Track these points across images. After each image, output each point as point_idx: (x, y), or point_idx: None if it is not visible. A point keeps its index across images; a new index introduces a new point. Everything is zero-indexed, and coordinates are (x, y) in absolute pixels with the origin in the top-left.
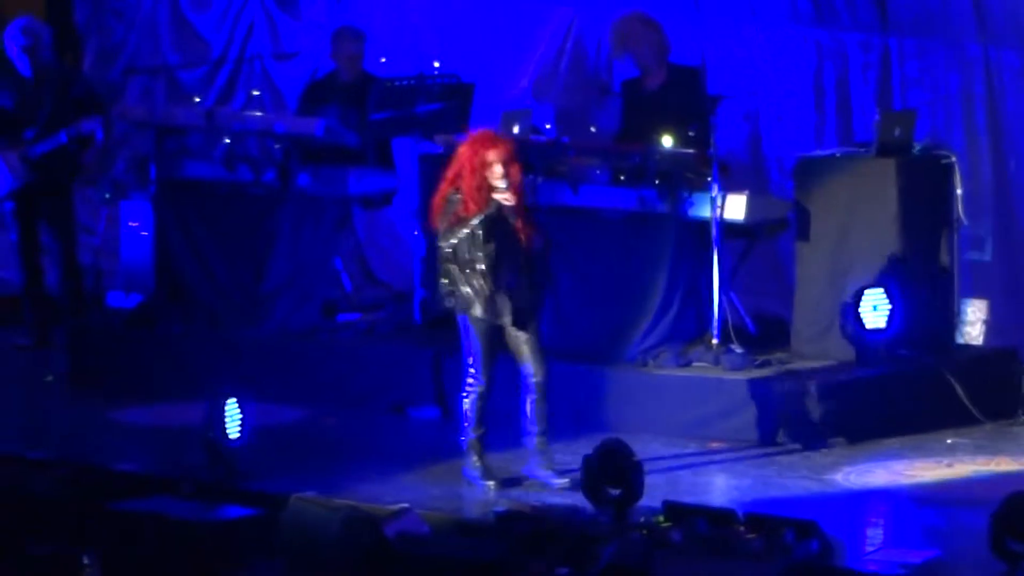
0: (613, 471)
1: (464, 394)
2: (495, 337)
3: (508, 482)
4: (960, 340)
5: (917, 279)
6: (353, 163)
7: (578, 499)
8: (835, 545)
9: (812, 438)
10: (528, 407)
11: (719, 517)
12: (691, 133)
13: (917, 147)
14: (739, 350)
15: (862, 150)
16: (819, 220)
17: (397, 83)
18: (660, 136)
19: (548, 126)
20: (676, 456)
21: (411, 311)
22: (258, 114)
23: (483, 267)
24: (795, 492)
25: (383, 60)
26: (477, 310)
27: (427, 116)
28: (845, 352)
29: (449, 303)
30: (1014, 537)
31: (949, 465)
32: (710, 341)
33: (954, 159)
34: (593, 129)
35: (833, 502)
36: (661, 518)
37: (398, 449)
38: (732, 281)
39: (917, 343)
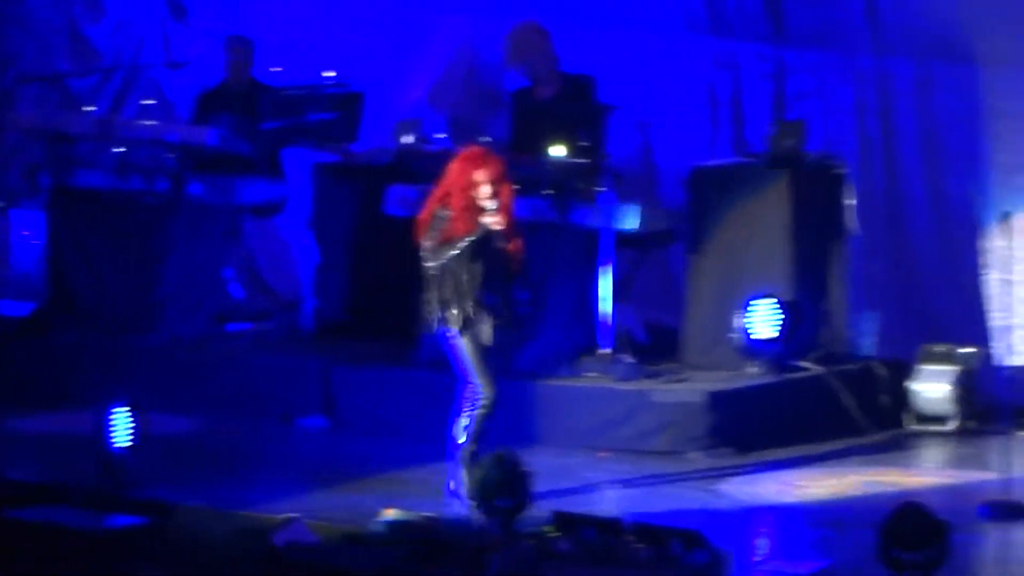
0: (502, 481)
1: (467, 410)
2: (482, 350)
3: None
4: (862, 351)
5: (808, 289)
6: (244, 172)
7: (466, 508)
8: (723, 556)
9: (701, 448)
10: (475, 421)
11: (607, 527)
12: (583, 143)
13: (809, 158)
14: (630, 360)
15: (754, 160)
16: (711, 230)
17: (289, 92)
18: (552, 146)
19: (441, 135)
20: (566, 466)
21: (300, 320)
22: (150, 123)
23: (469, 288)
24: (684, 502)
25: (275, 69)
26: (461, 327)
27: (319, 125)
28: (735, 362)
29: (434, 324)
30: (902, 547)
31: (838, 475)
32: (601, 351)
33: (846, 170)
34: (485, 139)
35: (722, 512)
36: (550, 527)
37: (287, 458)
38: (623, 291)
39: (807, 353)
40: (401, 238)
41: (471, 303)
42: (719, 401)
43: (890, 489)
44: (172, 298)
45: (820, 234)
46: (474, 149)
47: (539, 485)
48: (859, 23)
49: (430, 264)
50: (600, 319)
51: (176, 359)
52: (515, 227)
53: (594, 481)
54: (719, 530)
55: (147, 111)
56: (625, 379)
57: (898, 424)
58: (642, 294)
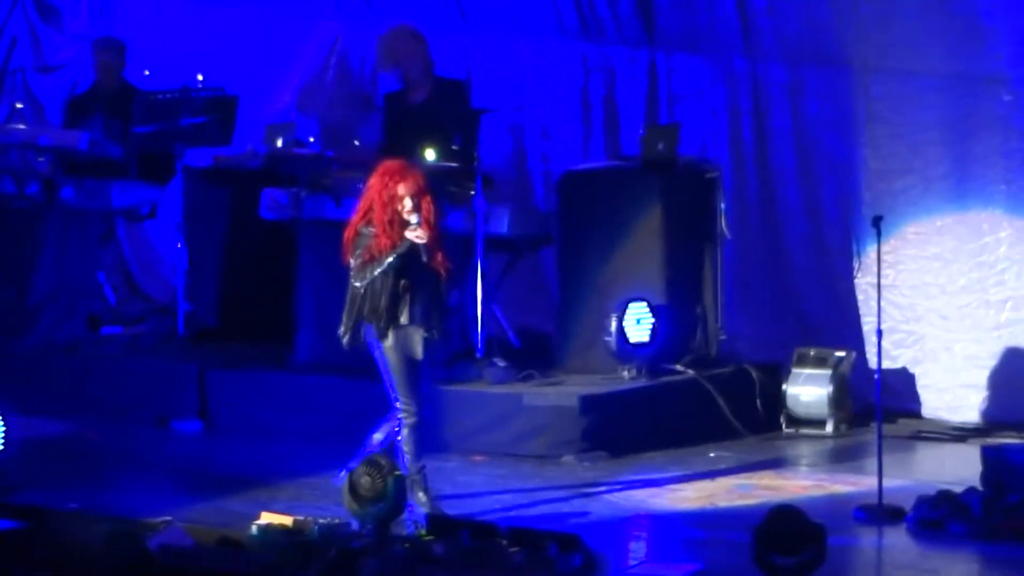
0: (376, 485)
1: (396, 429)
2: (411, 364)
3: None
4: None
5: (681, 293)
6: (116, 176)
7: (341, 513)
8: (598, 559)
9: (575, 452)
10: (407, 439)
11: (482, 530)
12: (455, 146)
13: (682, 161)
14: (502, 364)
15: (627, 164)
16: (583, 234)
17: (161, 96)
18: (423, 149)
19: (312, 139)
20: (440, 470)
21: (174, 324)
22: (21, 127)
23: (396, 301)
24: (558, 506)
25: (147, 73)
26: (389, 341)
27: (191, 129)
28: (608, 366)
29: (352, 340)
30: (776, 551)
31: (712, 479)
32: (474, 355)
33: (718, 173)
34: (357, 143)
35: (596, 516)
36: (424, 531)
37: (162, 462)
38: (495, 295)
39: (680, 357)
40: (273, 242)
41: (400, 316)
42: (592, 405)
43: (765, 493)
44: (45, 302)
45: (693, 238)
46: (392, 163)
47: (414, 489)
48: (732, 26)
49: (356, 284)
50: (473, 323)
51: (50, 363)
52: (439, 238)
53: (469, 485)
54: (594, 534)
55: (18, 114)
56: (498, 383)
57: (773, 428)
58: (514, 298)
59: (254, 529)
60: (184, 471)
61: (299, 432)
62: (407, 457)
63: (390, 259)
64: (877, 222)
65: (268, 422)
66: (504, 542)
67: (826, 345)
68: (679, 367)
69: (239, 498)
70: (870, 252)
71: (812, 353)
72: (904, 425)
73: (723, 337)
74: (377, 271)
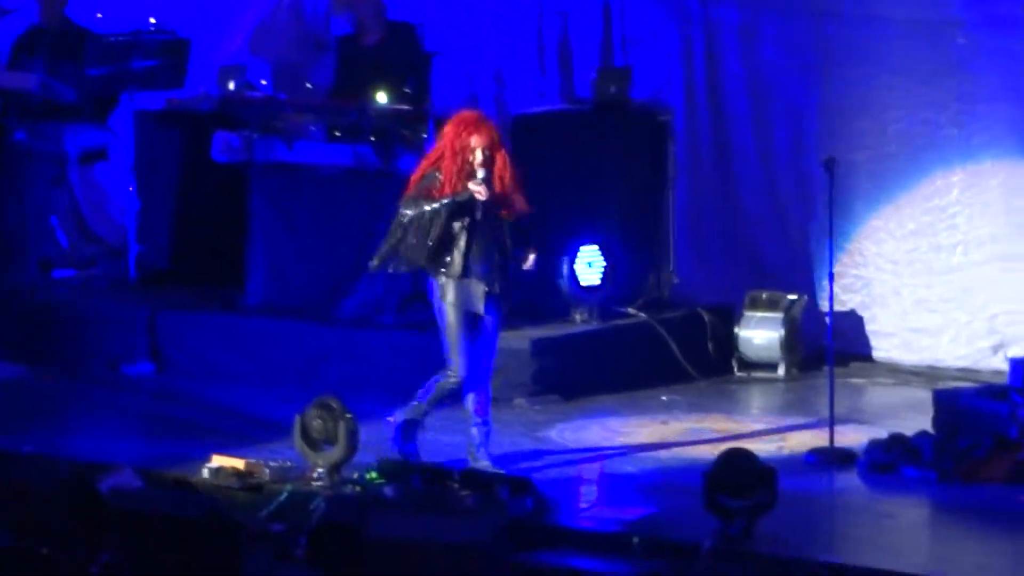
0: (327, 427)
1: (439, 376)
2: (469, 324)
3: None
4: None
5: (633, 236)
6: (69, 119)
7: (292, 456)
8: (550, 502)
9: (527, 395)
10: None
11: (433, 474)
12: (407, 89)
13: (635, 105)
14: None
15: (579, 107)
16: (535, 177)
17: (113, 39)
18: (376, 92)
19: (264, 82)
20: (392, 413)
21: (126, 267)
22: None
23: (446, 249)
24: (510, 449)
25: (99, 16)
26: (450, 297)
27: (143, 72)
28: (560, 309)
29: (380, 267)
30: (727, 494)
31: (664, 422)
32: (426, 299)
33: (670, 117)
34: (309, 85)
35: (548, 459)
36: (375, 474)
37: (114, 405)
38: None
39: (632, 300)
40: (225, 184)
41: (460, 269)
42: (544, 348)
43: (716, 436)
44: None
45: (645, 181)
46: (469, 113)
47: (365, 432)
48: None
49: (404, 211)
50: None
51: (2, 307)
52: (511, 195)
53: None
54: (545, 477)
55: None
56: None
57: (724, 371)
58: None
59: (205, 472)
60: (135, 414)
61: (250, 375)
62: (427, 397)
63: (446, 200)
64: (829, 165)
65: (219, 365)
66: (455, 486)
67: (778, 289)
68: (631, 310)
69: (191, 441)
70: (822, 195)
71: (764, 296)
72: (855, 369)
73: (675, 280)
74: (428, 206)
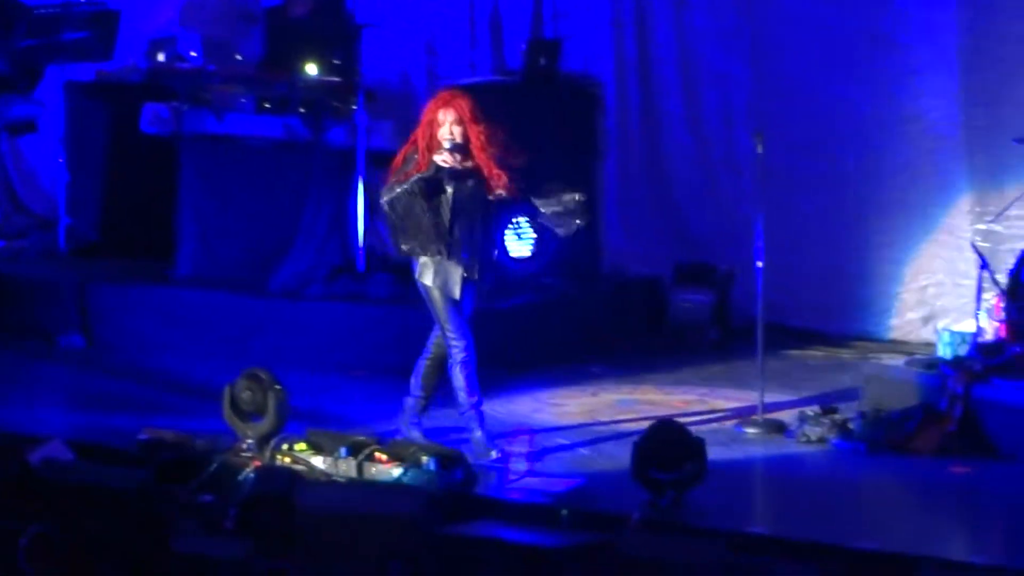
0: (257, 399)
1: (451, 363)
2: (453, 300)
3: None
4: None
5: None
6: None
7: (223, 427)
8: (480, 474)
9: None
10: (456, 374)
11: (361, 444)
12: (337, 61)
13: (565, 77)
14: (384, 278)
15: (509, 79)
16: None
17: (42, 11)
18: (305, 64)
19: (194, 54)
20: (322, 385)
21: (56, 239)
22: None
23: (419, 229)
24: (441, 421)
25: None
26: (428, 278)
27: (73, 44)
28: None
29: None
30: (656, 466)
31: (594, 394)
32: (355, 270)
33: (600, 88)
34: (239, 57)
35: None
36: (304, 445)
37: (45, 377)
38: (377, 210)
39: (563, 272)
40: (155, 156)
41: (438, 249)
42: (475, 320)
43: (646, 408)
44: None
45: (575, 152)
46: (445, 90)
47: (296, 404)
48: None
49: (381, 200)
50: (354, 237)
51: None
52: (491, 172)
53: (350, 400)
54: (474, 447)
55: None
56: (380, 298)
57: (655, 342)
58: None
59: (136, 443)
60: (66, 386)
61: (180, 346)
62: (459, 393)
63: (413, 179)
64: (759, 136)
65: (149, 336)
66: (383, 457)
67: (708, 259)
68: (561, 282)
69: (121, 413)
70: (753, 165)
71: (694, 267)
72: (785, 340)
73: (606, 251)
74: (398, 189)
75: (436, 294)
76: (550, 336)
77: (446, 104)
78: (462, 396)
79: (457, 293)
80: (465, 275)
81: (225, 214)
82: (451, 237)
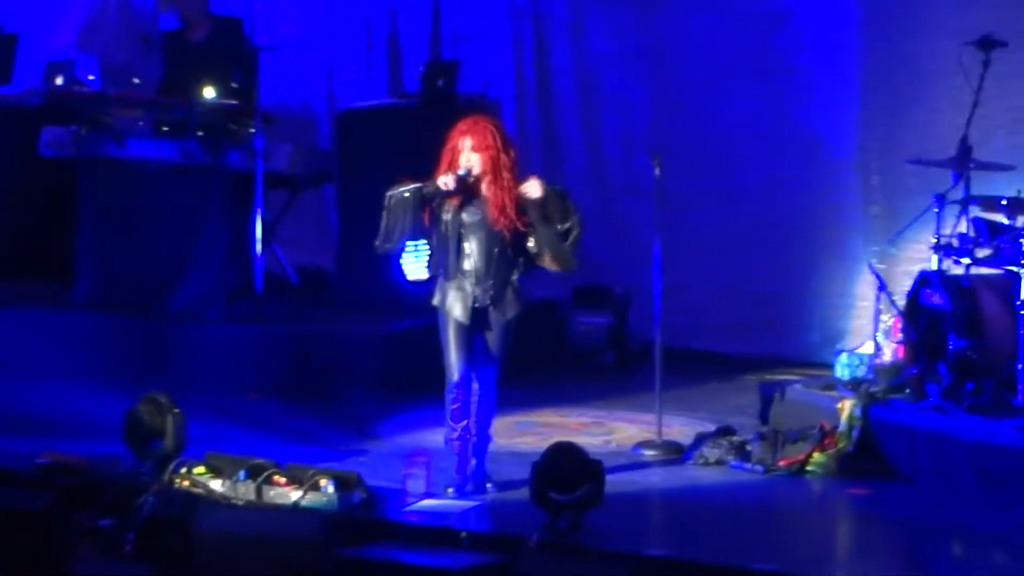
0: (156, 423)
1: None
2: (458, 327)
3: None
4: None
5: None
6: None
7: (122, 451)
8: (377, 497)
9: (354, 389)
10: (472, 408)
11: (260, 469)
12: (235, 84)
13: (462, 98)
14: (284, 301)
15: (406, 101)
16: (363, 171)
17: None
18: (203, 88)
19: (92, 77)
20: (221, 408)
21: None
22: None
23: (438, 253)
24: (337, 444)
25: None
26: (436, 298)
27: None
28: (388, 303)
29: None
30: (555, 487)
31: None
32: (253, 293)
33: (499, 112)
34: (137, 80)
35: (375, 453)
36: (202, 469)
37: None
38: (275, 232)
39: None
40: (53, 179)
41: (448, 274)
42: (371, 342)
43: (544, 429)
44: None
45: None
46: (472, 116)
47: (194, 427)
48: None
49: (388, 193)
50: (252, 260)
51: None
52: (502, 203)
53: (249, 423)
54: (373, 471)
55: None
56: (278, 320)
57: (553, 365)
58: (295, 235)
59: (34, 467)
60: None
61: (79, 370)
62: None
63: (412, 187)
64: (657, 158)
65: (48, 361)
66: (282, 480)
67: (607, 282)
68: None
69: (19, 436)
70: (653, 188)
71: (592, 290)
72: (683, 361)
73: None
74: (398, 188)
75: (441, 316)
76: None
77: (465, 132)
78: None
79: (464, 318)
80: (476, 303)
81: (124, 237)
82: (459, 262)
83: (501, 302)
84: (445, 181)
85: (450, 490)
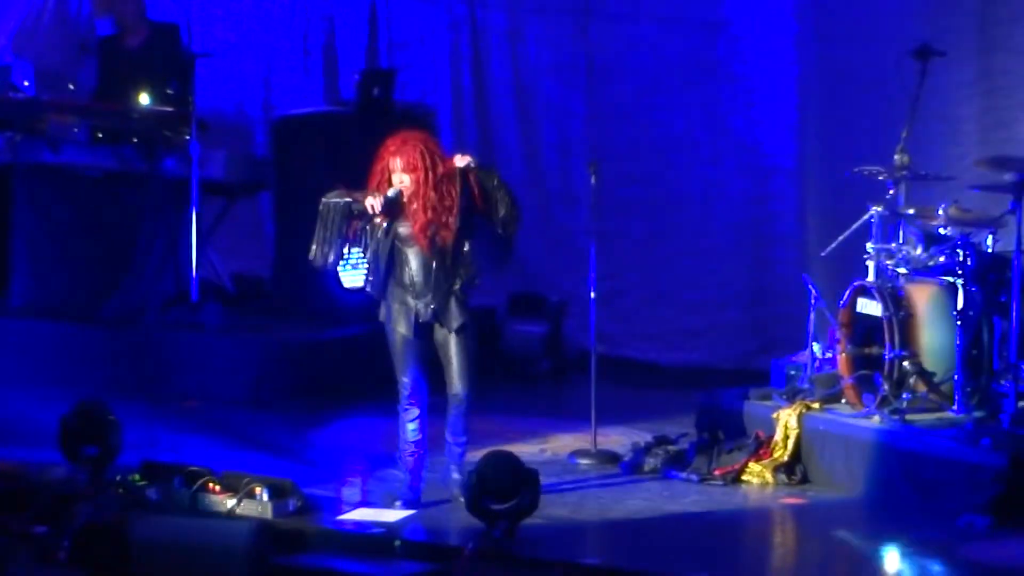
0: (90, 430)
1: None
2: (403, 341)
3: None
4: None
5: None
6: None
7: (56, 458)
8: (313, 504)
9: (287, 397)
10: (448, 419)
11: (196, 476)
12: (170, 91)
13: (399, 107)
14: (217, 308)
15: (342, 109)
16: (299, 178)
17: None
18: (139, 94)
19: (27, 83)
20: (156, 415)
21: None
22: None
23: (375, 271)
24: (273, 450)
25: None
26: (381, 314)
27: None
28: (325, 310)
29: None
30: (490, 496)
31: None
32: (188, 300)
33: (434, 118)
34: (72, 87)
35: (311, 460)
36: (137, 476)
37: None
38: (211, 239)
39: None
40: None
41: (382, 291)
42: (306, 349)
43: (480, 437)
44: None
45: None
46: (398, 134)
47: (128, 434)
48: None
49: (321, 200)
50: (188, 267)
51: None
52: (436, 219)
53: (184, 429)
54: (308, 479)
55: None
56: (213, 327)
57: (488, 373)
58: (230, 243)
59: None
60: None
61: (13, 376)
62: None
63: (344, 199)
64: (593, 166)
65: None
66: (217, 487)
67: (542, 290)
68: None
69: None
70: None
71: (527, 298)
72: (619, 370)
73: None
74: (333, 199)
75: (389, 332)
76: (381, 366)
77: (395, 152)
78: (401, 445)
79: (409, 331)
80: (419, 318)
81: (59, 244)
82: (399, 276)
83: (445, 314)
84: (372, 204)
85: (398, 503)
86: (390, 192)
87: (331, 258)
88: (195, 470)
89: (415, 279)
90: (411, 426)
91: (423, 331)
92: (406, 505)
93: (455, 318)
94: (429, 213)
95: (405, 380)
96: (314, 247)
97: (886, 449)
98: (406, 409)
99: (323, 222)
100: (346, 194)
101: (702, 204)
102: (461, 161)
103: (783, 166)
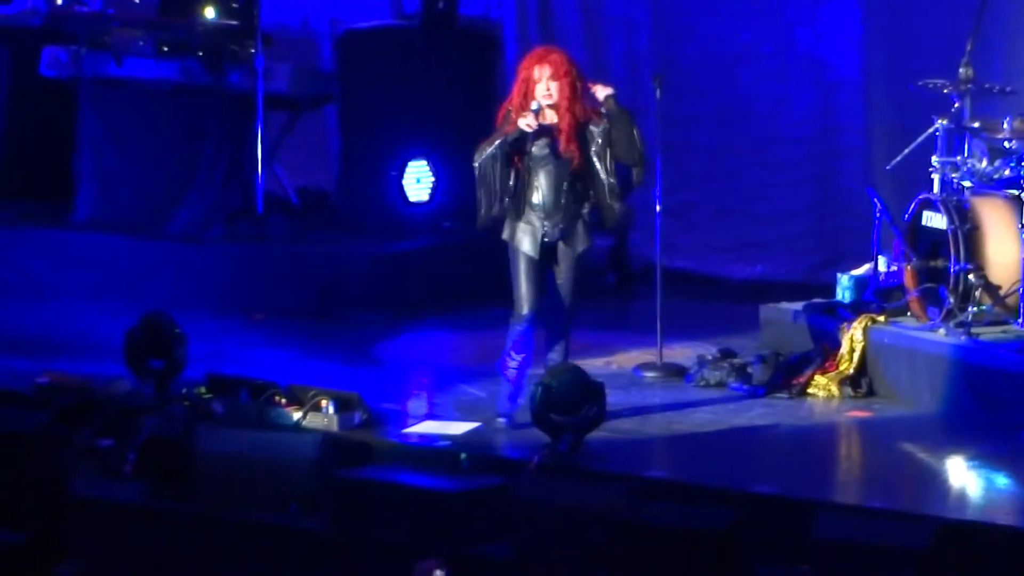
0: (156, 343)
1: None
2: (529, 264)
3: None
4: None
5: (461, 152)
6: None
7: (121, 371)
8: (378, 418)
9: (357, 310)
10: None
11: (261, 389)
12: (235, 4)
13: (463, 21)
14: (283, 220)
15: (407, 23)
16: (363, 93)
17: None
18: (204, 7)
19: None
20: (222, 328)
21: None
22: None
23: (505, 189)
24: (339, 364)
25: None
26: (506, 233)
27: None
28: (390, 224)
29: (481, 223)
30: (556, 410)
31: (492, 337)
32: (254, 213)
33: (499, 33)
34: (137, 0)
35: (377, 374)
36: (203, 389)
37: None
38: (276, 153)
39: (461, 215)
40: (54, 99)
41: (520, 209)
42: (373, 263)
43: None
44: None
45: (472, 97)
46: (541, 47)
47: (195, 347)
48: None
49: (475, 165)
50: (253, 181)
51: None
52: (577, 128)
53: (250, 343)
54: (374, 392)
55: None
56: (280, 240)
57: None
58: (296, 157)
59: (35, 386)
60: None
61: (79, 290)
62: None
63: (498, 142)
64: (658, 80)
65: (48, 280)
66: (283, 400)
67: None
68: (459, 225)
69: (19, 356)
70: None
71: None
72: (684, 283)
73: None
74: (487, 152)
75: (511, 253)
76: (448, 279)
77: (540, 60)
78: (505, 357)
79: (534, 252)
80: (544, 236)
81: (124, 157)
82: (528, 196)
83: (571, 236)
84: (528, 123)
85: (500, 420)
86: (533, 105)
87: (500, 208)
88: (261, 383)
89: (545, 199)
90: (520, 340)
91: (546, 252)
92: (504, 415)
93: (581, 242)
94: (578, 114)
95: (523, 298)
96: (482, 211)
97: (951, 362)
98: (521, 325)
99: (485, 182)
100: (492, 140)
101: (769, 117)
102: (603, 91)
103: (849, 79)
